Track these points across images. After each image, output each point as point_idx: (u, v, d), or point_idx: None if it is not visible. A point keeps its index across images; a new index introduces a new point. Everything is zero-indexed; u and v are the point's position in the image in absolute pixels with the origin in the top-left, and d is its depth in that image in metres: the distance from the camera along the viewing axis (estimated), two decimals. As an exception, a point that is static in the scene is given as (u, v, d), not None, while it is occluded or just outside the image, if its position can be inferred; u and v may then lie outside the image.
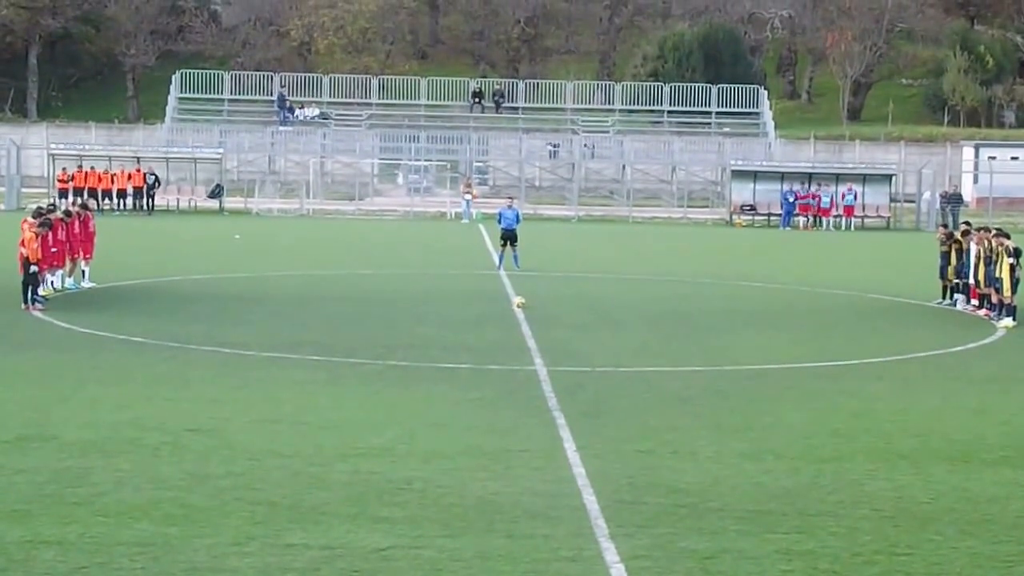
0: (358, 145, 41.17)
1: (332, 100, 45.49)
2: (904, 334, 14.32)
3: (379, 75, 47.62)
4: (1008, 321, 14.55)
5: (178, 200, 35.53)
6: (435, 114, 45.25)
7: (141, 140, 41.51)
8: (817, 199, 34.72)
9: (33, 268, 14.27)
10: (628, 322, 14.82)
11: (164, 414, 9.10)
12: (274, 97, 45.01)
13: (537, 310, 15.07)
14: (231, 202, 35.71)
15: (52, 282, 15.70)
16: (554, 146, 42.70)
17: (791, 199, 34.76)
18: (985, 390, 10.86)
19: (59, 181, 34.16)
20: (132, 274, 18.27)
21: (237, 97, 45.65)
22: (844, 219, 34.74)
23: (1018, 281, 14.58)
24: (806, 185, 35.07)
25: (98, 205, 31.19)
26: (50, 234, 14.85)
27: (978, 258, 15.36)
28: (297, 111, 44.47)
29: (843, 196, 34.88)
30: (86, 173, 34.34)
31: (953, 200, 35.12)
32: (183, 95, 44.80)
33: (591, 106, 46.59)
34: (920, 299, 17.26)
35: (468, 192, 34.91)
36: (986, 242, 15.10)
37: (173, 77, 45.20)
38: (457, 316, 14.80)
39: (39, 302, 14.36)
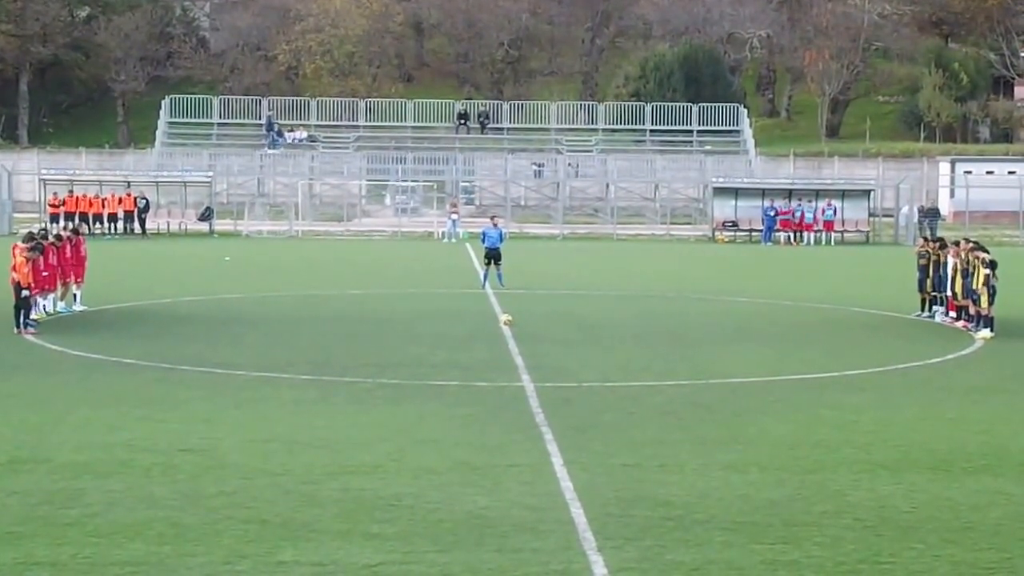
0: (346, 167, 41.36)
1: (320, 123, 45.72)
2: (884, 346, 14.49)
3: (366, 98, 47.91)
4: (986, 332, 14.76)
5: (168, 223, 35.57)
6: (421, 135, 45.53)
7: (131, 164, 41.58)
8: (801, 215, 35.15)
9: (25, 292, 14.32)
10: (613, 338, 14.94)
11: (156, 435, 9.16)
12: (262, 121, 45.18)
13: (524, 327, 15.19)
14: (221, 224, 35.74)
15: (44, 306, 15.74)
16: (539, 165, 43.05)
17: (772, 215, 35.15)
18: (964, 400, 11.03)
19: (50, 206, 34.22)
20: (123, 297, 18.30)
21: (226, 121, 45.81)
22: (824, 234, 35.14)
23: (995, 292, 14.84)
24: (787, 201, 35.52)
25: (89, 229, 31.21)
26: (41, 258, 14.91)
27: (955, 271, 15.60)
28: (285, 134, 44.67)
29: (823, 211, 35.31)
30: (77, 198, 34.41)
31: (931, 214, 35.63)
32: (172, 120, 44.95)
33: (575, 126, 47.00)
34: (900, 312, 17.45)
35: (455, 212, 35.15)
36: (963, 255, 15.37)
37: (162, 102, 45.37)
38: (446, 334, 14.89)
39: (31, 326, 14.39)
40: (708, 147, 44.29)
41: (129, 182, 35.88)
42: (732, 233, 35.79)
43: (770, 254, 31.67)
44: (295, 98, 47.69)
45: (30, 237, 15.23)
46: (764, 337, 15.14)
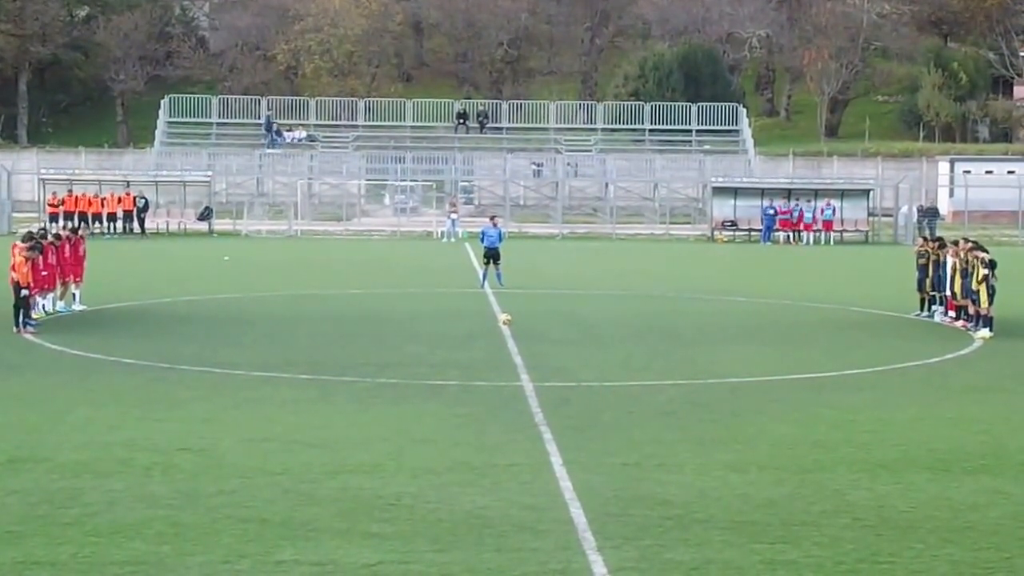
0: (345, 167, 41.40)
1: (319, 123, 45.77)
2: (883, 346, 14.51)
3: (365, 98, 47.97)
4: (985, 332, 14.78)
5: (168, 223, 35.61)
6: (420, 135, 45.58)
7: (131, 164, 41.65)
8: (800, 214, 35.18)
9: (24, 292, 14.34)
10: (612, 337, 14.97)
11: (155, 434, 9.17)
12: (261, 120, 45.21)
13: (523, 327, 15.19)
14: (220, 224, 35.78)
15: (44, 305, 15.78)
16: (538, 165, 43.10)
17: (771, 214, 35.17)
18: (963, 400, 11.05)
19: (49, 205, 34.29)
20: (123, 296, 18.31)
21: (225, 121, 45.85)
22: (824, 234, 35.18)
23: (994, 292, 14.86)
24: (786, 201, 35.55)
25: (88, 228, 31.18)
26: (40, 258, 14.93)
27: (954, 270, 15.63)
28: (284, 134, 44.68)
29: (822, 211, 35.35)
30: (76, 197, 34.45)
31: (930, 214, 35.69)
32: (172, 119, 45.00)
33: (574, 125, 47.06)
34: (899, 311, 17.47)
35: (454, 212, 35.20)
36: (962, 254, 15.38)
37: (162, 102, 45.44)
38: (445, 334, 14.91)
39: (31, 325, 14.42)
40: (707, 147, 44.33)
41: (128, 182, 35.92)
42: (731, 233, 35.82)
43: (769, 254, 31.71)
44: (294, 98, 47.74)
45: (29, 236, 15.25)
46: (763, 337, 15.15)
